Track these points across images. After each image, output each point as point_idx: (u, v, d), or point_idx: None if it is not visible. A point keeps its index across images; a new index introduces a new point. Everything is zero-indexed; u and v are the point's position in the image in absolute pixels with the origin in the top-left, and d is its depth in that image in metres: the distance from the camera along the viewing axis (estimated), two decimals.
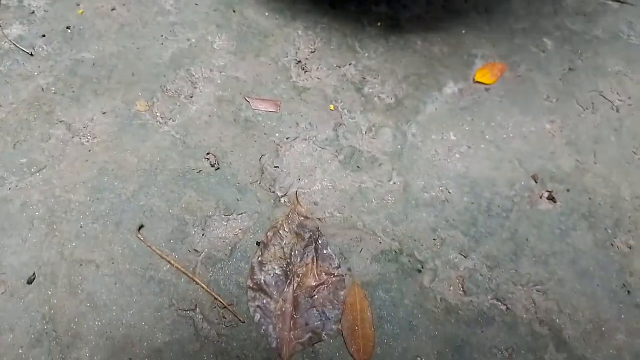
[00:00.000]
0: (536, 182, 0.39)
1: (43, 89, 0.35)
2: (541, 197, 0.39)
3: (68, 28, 0.37)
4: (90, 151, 0.34)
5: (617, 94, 0.45)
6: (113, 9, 0.40)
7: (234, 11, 0.41)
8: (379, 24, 0.44)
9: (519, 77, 0.44)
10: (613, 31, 0.51)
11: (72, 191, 0.32)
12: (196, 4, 0.41)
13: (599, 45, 0.49)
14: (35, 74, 0.35)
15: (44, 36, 0.37)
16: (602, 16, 0.52)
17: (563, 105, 0.43)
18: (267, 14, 0.42)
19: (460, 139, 0.40)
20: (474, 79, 0.43)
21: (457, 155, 0.39)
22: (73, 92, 0.35)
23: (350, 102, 0.39)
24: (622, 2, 0.54)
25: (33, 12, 0.38)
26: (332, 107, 0.38)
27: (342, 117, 0.38)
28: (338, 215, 0.34)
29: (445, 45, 0.45)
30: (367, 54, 0.42)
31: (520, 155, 0.40)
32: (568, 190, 0.39)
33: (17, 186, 0.31)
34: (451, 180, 0.38)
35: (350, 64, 0.41)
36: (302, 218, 0.34)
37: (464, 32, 0.46)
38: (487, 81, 0.43)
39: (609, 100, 0.45)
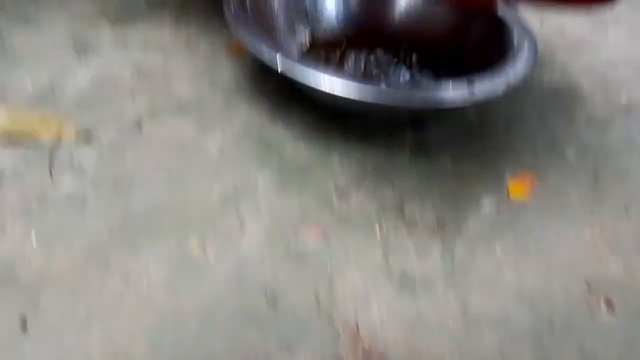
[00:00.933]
0: (590, 292, 0.39)
1: (96, 240, 0.36)
2: (599, 307, 0.38)
3: (117, 179, 0.39)
4: (147, 298, 0.33)
5: None
6: (159, 157, 0.42)
7: (273, 150, 0.44)
8: (409, 148, 0.46)
9: (550, 188, 0.46)
10: (626, 136, 0.53)
11: (132, 342, 0.31)
12: (237, 147, 0.43)
13: (617, 152, 0.51)
14: (88, 225, 0.36)
15: (94, 189, 0.38)
16: (612, 123, 0.54)
17: (598, 212, 0.44)
18: (303, 150, 0.45)
19: (507, 254, 0.40)
20: (507, 194, 0.44)
21: (507, 271, 0.39)
22: (126, 240, 0.36)
23: (394, 225, 0.39)
24: (628, 111, 0.57)
25: (83, 167, 0.40)
26: (377, 231, 0.38)
27: (389, 241, 0.39)
28: (401, 345, 0.33)
29: (474, 163, 0.46)
30: (402, 178, 0.44)
31: (568, 265, 0.40)
32: (623, 296, 0.39)
33: (76, 338, 0.30)
34: (507, 296, 0.37)
35: (387, 189, 0.42)
36: (365, 352, 0.32)
37: (489, 149, 0.48)
38: (520, 194, 0.44)
39: None
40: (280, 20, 0.54)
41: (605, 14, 0.76)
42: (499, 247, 0.40)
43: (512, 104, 0.54)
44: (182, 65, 0.52)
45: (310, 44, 0.55)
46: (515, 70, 0.45)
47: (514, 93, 0.46)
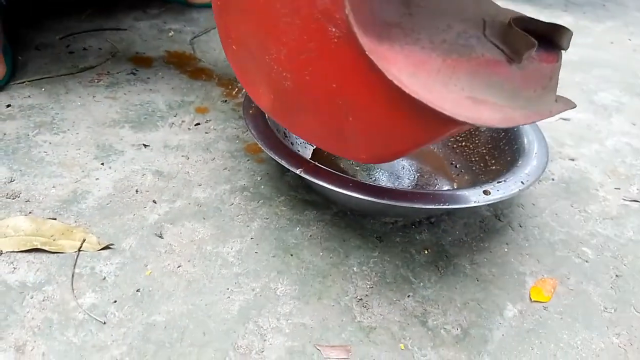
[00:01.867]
0: None
1: (117, 357, 0.35)
2: None
3: (138, 291, 0.39)
4: None
5: None
6: (179, 266, 0.42)
7: (291, 255, 0.44)
8: (426, 251, 0.47)
9: (572, 290, 0.45)
10: None
11: None
12: (256, 252, 0.44)
13: (635, 248, 0.51)
14: (108, 343, 0.36)
15: (115, 302, 0.38)
16: (627, 217, 0.55)
17: (623, 315, 0.43)
18: (321, 254, 0.45)
19: None
20: (530, 298, 0.43)
21: None
22: (145, 357, 0.35)
23: (418, 337, 0.39)
24: (636, 201, 0.57)
25: (104, 278, 0.40)
26: (402, 346, 0.38)
27: (413, 356, 0.38)
28: None
29: (492, 266, 0.46)
30: (421, 283, 0.43)
31: None
32: None
33: None
34: None
35: (408, 296, 0.42)
36: None
37: (506, 250, 0.48)
38: (543, 299, 0.44)
39: None
40: None
41: (605, 100, 0.78)
42: (525, 358, 0.39)
43: (524, 198, 0.54)
44: (201, 168, 0.53)
45: None
46: (528, 172, 0.46)
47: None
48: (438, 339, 0.39)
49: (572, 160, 0.63)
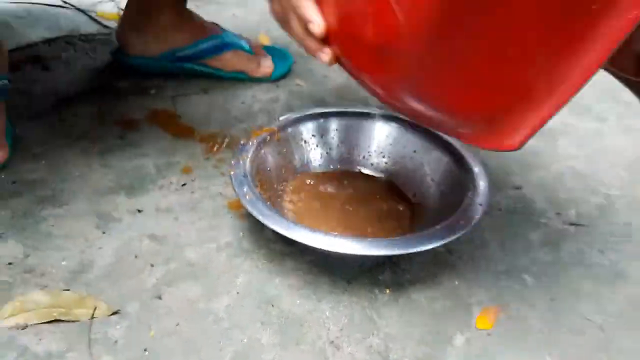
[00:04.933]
0: None
1: None
2: None
3: (145, 350, 0.47)
4: None
5: (598, 314, 0.54)
6: (177, 325, 0.49)
7: (272, 305, 0.51)
8: (387, 291, 0.54)
9: (511, 315, 0.53)
10: (577, 254, 0.61)
11: None
12: (241, 306, 0.51)
13: (570, 270, 0.59)
14: None
15: None
16: (564, 242, 0.63)
17: (556, 336, 0.51)
18: (298, 302, 0.53)
19: None
20: (475, 327, 0.52)
21: None
22: None
23: None
24: (576, 225, 0.66)
25: (116, 342, 0.48)
26: None
27: None
28: None
29: (444, 299, 0.54)
30: (384, 321, 0.51)
31: None
32: None
33: None
34: None
35: (373, 334, 0.50)
36: None
37: (456, 282, 0.56)
38: (486, 326, 0.52)
39: (594, 322, 0.53)
40: (273, 175, 0.64)
41: (552, 124, 0.86)
42: None
43: (474, 232, 0.62)
44: (189, 229, 0.61)
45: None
46: (476, 207, 0.54)
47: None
48: None
49: (518, 188, 0.71)
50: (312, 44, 0.50)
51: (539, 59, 0.37)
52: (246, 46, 0.90)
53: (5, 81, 0.71)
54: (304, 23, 0.48)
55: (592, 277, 0.59)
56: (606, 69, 0.51)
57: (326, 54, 0.49)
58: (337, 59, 0.50)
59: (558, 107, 0.39)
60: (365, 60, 0.47)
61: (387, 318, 0.52)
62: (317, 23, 0.47)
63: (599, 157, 0.80)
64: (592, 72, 0.35)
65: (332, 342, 0.49)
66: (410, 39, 0.39)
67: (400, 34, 0.40)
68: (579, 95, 0.38)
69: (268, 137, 0.65)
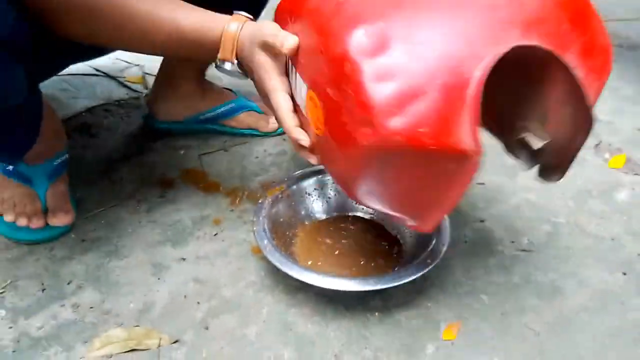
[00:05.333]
0: None
1: None
2: None
3: None
4: None
5: (537, 323, 0.71)
6: (221, 348, 0.67)
7: (291, 330, 0.69)
8: (376, 314, 0.72)
9: (471, 328, 0.71)
10: (525, 276, 0.79)
11: None
12: (267, 331, 0.69)
13: (518, 290, 0.76)
14: None
15: None
16: (516, 266, 0.80)
17: (503, 342, 0.69)
18: (309, 326, 0.70)
19: None
20: (442, 338, 0.69)
21: None
22: None
23: None
24: (527, 250, 0.83)
25: None
26: None
27: None
28: None
29: (419, 317, 0.72)
30: (374, 338, 0.69)
31: None
32: None
33: None
34: None
35: (365, 347, 0.68)
36: None
37: (429, 304, 0.74)
38: (451, 337, 0.69)
39: (532, 330, 0.70)
40: (285, 225, 0.82)
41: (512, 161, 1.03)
42: None
43: (444, 261, 0.79)
44: (223, 270, 0.79)
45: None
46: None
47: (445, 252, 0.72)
48: None
49: (482, 221, 0.89)
50: (303, 153, 0.62)
51: (425, 193, 0.57)
52: (257, 107, 1.08)
53: (66, 155, 0.90)
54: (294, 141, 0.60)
55: (535, 293, 0.76)
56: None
57: (314, 160, 0.61)
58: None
59: (446, 213, 0.63)
60: (334, 176, 0.67)
61: (376, 335, 0.70)
62: (304, 140, 0.59)
63: (552, 188, 0.96)
64: (460, 197, 0.55)
65: (335, 355, 0.67)
66: (354, 179, 0.57)
67: (346, 178, 0.60)
68: None
69: (280, 195, 0.83)
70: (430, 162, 0.49)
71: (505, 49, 0.45)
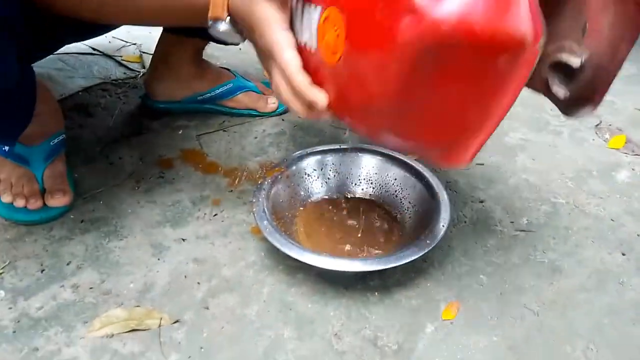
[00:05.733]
0: None
1: None
2: None
3: (201, 348, 0.65)
4: None
5: (535, 303, 0.72)
6: (222, 327, 0.67)
7: (290, 309, 0.69)
8: (376, 293, 0.72)
9: (469, 308, 0.71)
10: (524, 256, 0.79)
11: None
12: (268, 311, 0.69)
13: (517, 269, 0.77)
14: None
15: (189, 357, 0.64)
16: (515, 246, 0.80)
17: (501, 322, 0.69)
18: (309, 305, 0.70)
19: None
20: (442, 318, 0.70)
21: None
22: None
23: (372, 355, 0.65)
24: (526, 231, 0.83)
25: (179, 343, 0.66)
26: (363, 358, 0.64)
27: None
28: None
29: (418, 297, 0.72)
30: (374, 317, 0.69)
31: None
32: None
33: None
34: None
35: (365, 327, 0.68)
36: None
37: (428, 284, 0.74)
38: (450, 317, 0.70)
39: (531, 309, 0.71)
40: (285, 206, 0.82)
41: (513, 140, 1.03)
42: (437, 358, 0.65)
43: (444, 241, 0.79)
44: (223, 251, 0.79)
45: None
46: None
47: (444, 233, 0.72)
48: (383, 354, 0.65)
49: (481, 202, 0.89)
50: (314, 113, 0.58)
51: (471, 107, 0.52)
52: (255, 87, 1.07)
53: (63, 135, 0.89)
54: (309, 103, 0.55)
55: (534, 273, 0.76)
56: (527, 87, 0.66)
57: (326, 115, 0.58)
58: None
59: (490, 133, 0.55)
60: (353, 115, 0.61)
61: (375, 314, 0.70)
62: (321, 101, 0.54)
63: (551, 169, 0.97)
64: (508, 108, 0.50)
65: (335, 334, 0.68)
66: (384, 98, 0.54)
67: (377, 98, 0.55)
68: (539, 111, 0.54)
69: (279, 176, 0.82)
70: (479, 57, 0.43)
71: None
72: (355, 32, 0.48)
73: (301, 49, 0.55)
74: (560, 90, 0.56)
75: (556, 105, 0.59)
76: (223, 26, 0.57)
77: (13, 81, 0.63)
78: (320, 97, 0.54)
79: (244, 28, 0.57)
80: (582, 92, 0.55)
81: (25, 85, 0.75)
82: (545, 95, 0.59)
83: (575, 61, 0.52)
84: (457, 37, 0.41)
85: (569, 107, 0.58)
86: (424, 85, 0.49)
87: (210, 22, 0.57)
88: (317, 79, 0.55)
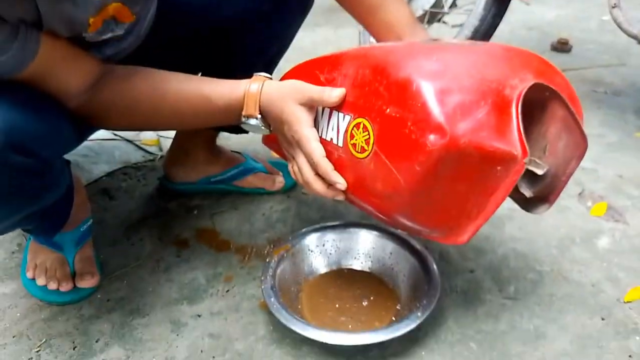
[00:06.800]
0: None
1: None
2: None
3: None
4: None
5: None
6: None
7: None
8: None
9: None
10: (511, 323, 0.86)
11: None
12: None
13: (505, 337, 0.83)
14: None
15: None
16: (503, 314, 0.87)
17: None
18: None
19: None
20: None
21: None
22: None
23: None
24: (513, 299, 0.90)
25: None
26: None
27: None
28: None
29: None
30: None
31: None
32: None
33: None
34: None
35: None
36: None
37: (423, 353, 0.81)
38: None
39: None
40: (290, 281, 0.90)
41: (500, 211, 1.11)
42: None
43: (436, 311, 0.87)
44: (236, 326, 0.87)
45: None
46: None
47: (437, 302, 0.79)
48: None
49: (471, 272, 0.96)
50: (331, 193, 0.68)
51: (473, 200, 0.65)
52: (263, 168, 1.18)
53: (91, 221, 1.00)
54: (329, 183, 0.66)
55: (520, 339, 0.83)
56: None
57: (342, 196, 0.68)
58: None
59: (486, 220, 0.66)
60: (371, 199, 0.70)
61: None
62: (342, 183, 0.65)
63: (537, 237, 1.04)
64: (502, 201, 0.63)
65: None
66: (407, 191, 0.63)
67: (401, 190, 0.64)
68: None
69: (285, 254, 0.91)
70: (483, 165, 0.59)
71: (530, 83, 0.60)
72: (385, 139, 0.61)
73: (324, 142, 0.67)
74: (527, 191, 0.70)
75: (518, 204, 0.73)
76: (254, 121, 0.69)
77: (64, 188, 0.75)
78: (341, 180, 0.66)
79: (271, 122, 0.70)
80: (541, 193, 0.69)
81: (68, 187, 0.86)
82: (510, 195, 0.71)
83: (539, 171, 0.65)
84: (470, 150, 0.57)
85: (530, 204, 0.71)
86: (439, 182, 0.62)
87: (243, 119, 0.69)
88: (337, 167, 0.67)
